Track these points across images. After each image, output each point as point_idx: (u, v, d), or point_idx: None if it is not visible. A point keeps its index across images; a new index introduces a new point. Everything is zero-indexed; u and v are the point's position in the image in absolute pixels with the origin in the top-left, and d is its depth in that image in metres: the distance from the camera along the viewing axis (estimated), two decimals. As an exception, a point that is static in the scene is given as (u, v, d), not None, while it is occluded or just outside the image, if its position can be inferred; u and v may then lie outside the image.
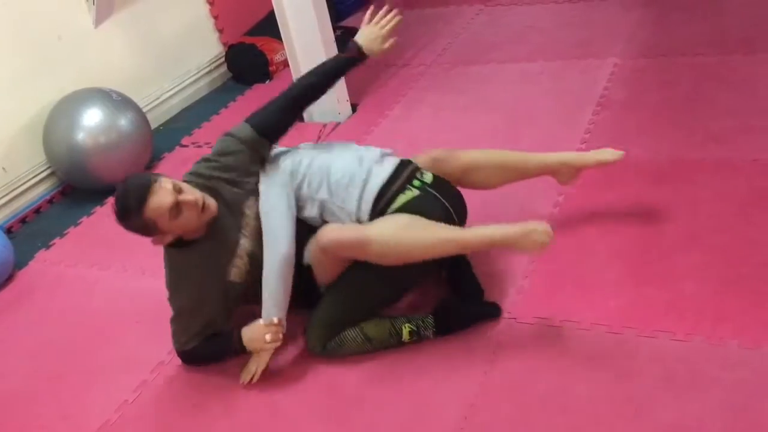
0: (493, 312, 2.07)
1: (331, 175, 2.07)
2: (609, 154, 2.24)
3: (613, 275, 2.13)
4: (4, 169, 3.15)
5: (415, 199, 2.03)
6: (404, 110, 3.35)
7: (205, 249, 2.03)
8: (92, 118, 3.10)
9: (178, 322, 2.08)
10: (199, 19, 4.02)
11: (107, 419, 2.05)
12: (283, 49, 3.83)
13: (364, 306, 2.05)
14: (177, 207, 1.91)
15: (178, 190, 1.93)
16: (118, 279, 2.62)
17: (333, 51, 3.28)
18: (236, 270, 2.05)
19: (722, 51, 3.17)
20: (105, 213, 3.05)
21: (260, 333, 1.98)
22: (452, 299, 2.08)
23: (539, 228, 1.92)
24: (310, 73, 2.28)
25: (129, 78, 3.58)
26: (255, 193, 2.08)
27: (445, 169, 2.21)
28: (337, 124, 3.34)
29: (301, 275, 2.06)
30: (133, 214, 1.92)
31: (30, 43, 3.21)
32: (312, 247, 2.03)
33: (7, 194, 3.16)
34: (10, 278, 2.77)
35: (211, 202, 2.00)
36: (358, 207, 2.04)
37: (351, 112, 3.42)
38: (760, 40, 3.17)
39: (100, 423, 2.04)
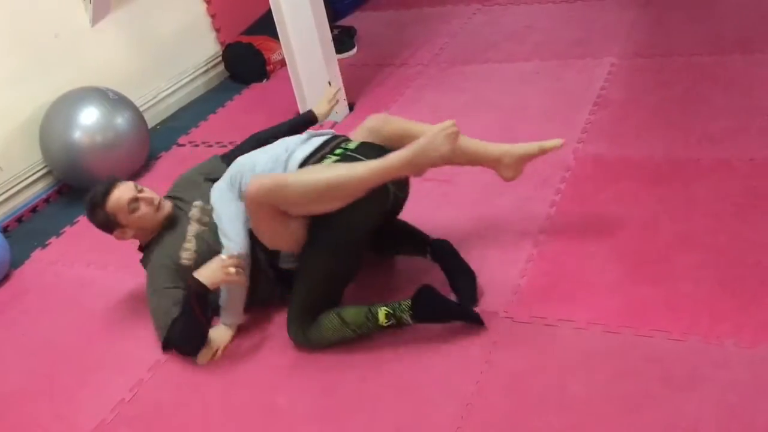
0: (472, 318, 2.03)
1: (257, 166, 2.14)
2: (551, 141, 2.22)
3: (609, 275, 2.13)
4: (0, 167, 3.14)
5: (335, 162, 2.04)
6: (402, 109, 3.34)
7: (165, 241, 2.25)
8: (89, 116, 3.10)
9: (155, 315, 2.19)
10: (196, 18, 4.02)
11: (103, 418, 2.05)
12: (281, 48, 3.84)
13: (328, 285, 2.07)
14: (135, 201, 2.21)
15: (139, 190, 2.24)
16: (114, 278, 2.61)
17: (330, 50, 3.29)
18: (186, 253, 2.21)
19: (719, 51, 3.18)
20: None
21: (217, 264, 2.07)
22: (433, 288, 2.03)
23: (440, 132, 1.91)
24: (280, 124, 2.69)
25: (126, 77, 3.57)
26: (207, 193, 2.30)
27: (383, 135, 2.19)
28: (335, 123, 3.34)
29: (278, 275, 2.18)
30: (98, 208, 2.22)
31: (27, 41, 3.21)
32: (245, 205, 2.04)
33: (3, 193, 3.16)
34: (6, 277, 2.77)
35: (167, 203, 2.28)
36: None
37: (348, 111, 3.42)
38: (757, 40, 3.18)
39: (96, 422, 2.04)
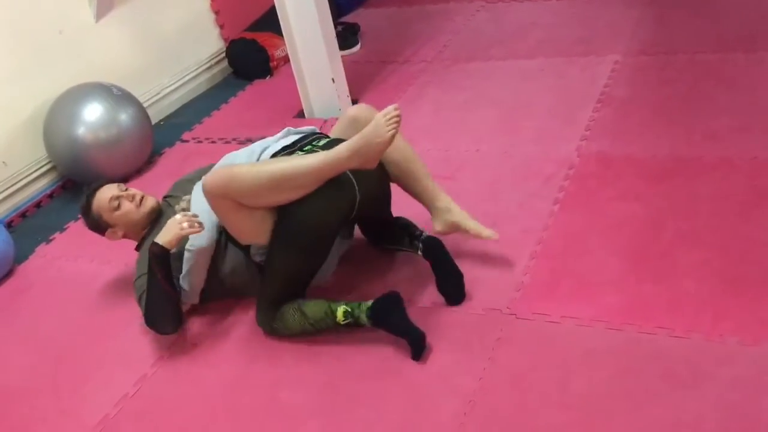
0: (418, 346, 1.97)
1: (236, 159, 2.18)
2: (487, 231, 2.18)
3: (612, 272, 2.13)
4: (4, 163, 3.15)
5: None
6: (405, 106, 3.33)
7: (153, 234, 2.25)
8: (93, 112, 3.10)
9: (138, 296, 2.21)
10: (200, 15, 4.02)
11: (107, 413, 2.06)
12: (284, 44, 3.84)
13: (291, 279, 2.08)
14: (116, 199, 2.29)
15: (123, 189, 2.33)
16: (118, 273, 2.62)
17: (334, 46, 3.29)
18: (183, 203, 2.31)
19: (722, 49, 3.18)
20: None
21: (171, 223, 2.09)
22: (398, 298, 2.00)
23: (381, 119, 1.89)
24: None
25: (129, 73, 3.58)
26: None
27: (362, 124, 2.14)
28: (338, 119, 3.34)
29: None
30: (86, 211, 2.33)
31: (31, 37, 3.21)
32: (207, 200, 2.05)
33: (7, 188, 3.16)
34: (10, 272, 2.77)
35: (150, 198, 2.34)
36: None
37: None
38: (761, 38, 3.18)
39: (100, 417, 2.05)
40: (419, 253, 2.20)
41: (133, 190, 2.35)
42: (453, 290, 2.14)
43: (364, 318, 2.01)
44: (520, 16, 4.01)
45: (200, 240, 2.16)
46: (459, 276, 2.14)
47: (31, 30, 3.21)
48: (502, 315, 2.07)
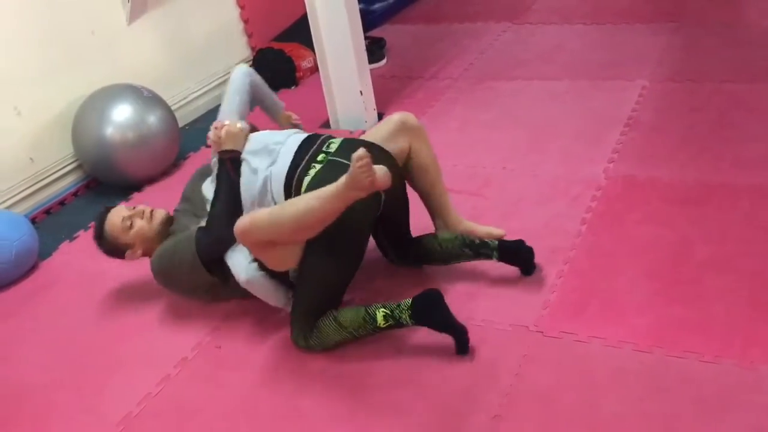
0: (462, 339, 2.00)
1: (247, 193, 2.20)
2: (499, 230, 2.31)
3: (641, 294, 2.13)
4: (31, 159, 3.17)
5: (318, 174, 2.07)
6: (430, 122, 3.36)
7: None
8: (122, 113, 3.13)
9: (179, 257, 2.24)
10: (230, 23, 4.06)
11: (130, 411, 2.05)
12: (311, 55, 3.88)
13: (326, 289, 2.08)
14: (129, 218, 2.30)
15: (131, 208, 2.35)
16: (141, 273, 2.61)
17: (363, 59, 3.32)
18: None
19: (751, 78, 3.19)
20: (129, 208, 3.07)
21: (229, 129, 2.23)
22: (439, 294, 2.01)
23: (356, 172, 1.85)
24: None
25: (158, 76, 3.61)
26: None
27: (407, 137, 2.26)
28: (363, 132, 3.35)
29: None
30: (101, 239, 2.35)
31: (64, 36, 3.24)
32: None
33: (33, 185, 3.18)
34: (34, 267, 2.78)
35: (159, 210, 2.36)
36: (276, 203, 2.14)
37: (377, 120, 3.43)
38: (789, 69, 3.19)
39: (123, 414, 2.04)
40: (494, 259, 2.23)
41: (140, 207, 2.36)
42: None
43: (406, 318, 2.00)
44: (547, 38, 4.03)
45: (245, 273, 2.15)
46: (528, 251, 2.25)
47: (64, 30, 3.24)
48: (529, 332, 2.06)
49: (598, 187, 2.64)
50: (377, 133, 2.30)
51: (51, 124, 3.22)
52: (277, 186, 2.13)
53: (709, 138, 2.83)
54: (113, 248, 2.35)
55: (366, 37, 4.05)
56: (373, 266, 2.37)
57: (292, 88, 4.01)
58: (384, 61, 4.08)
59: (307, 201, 1.96)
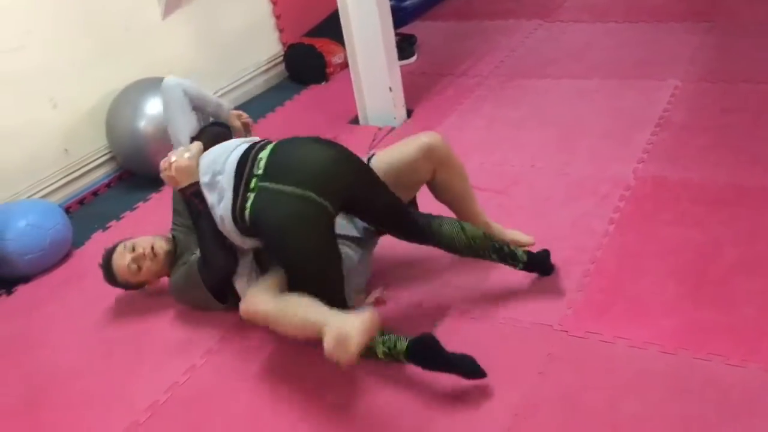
0: (474, 370, 1.88)
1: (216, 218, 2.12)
2: (527, 237, 2.29)
3: (668, 295, 2.11)
4: (66, 150, 3.24)
5: (253, 206, 1.97)
6: (459, 119, 3.36)
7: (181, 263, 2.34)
8: (155, 106, 3.16)
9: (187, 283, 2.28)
10: (262, 18, 4.10)
11: (156, 399, 2.09)
12: (341, 51, 3.89)
13: (326, 294, 1.97)
14: (134, 262, 2.30)
15: (131, 250, 2.31)
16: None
17: (393, 55, 3.33)
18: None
19: (786, 80, 3.14)
20: (160, 199, 3.12)
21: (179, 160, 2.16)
22: (431, 340, 1.91)
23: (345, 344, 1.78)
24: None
25: (191, 70, 3.64)
26: None
27: (430, 164, 2.18)
28: (392, 128, 3.37)
29: None
30: (116, 283, 2.38)
31: (99, 31, 3.30)
32: None
33: (67, 175, 3.25)
34: (67, 256, 2.85)
35: (158, 243, 2.33)
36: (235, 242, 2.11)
37: (406, 117, 3.44)
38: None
39: (150, 402, 2.08)
40: (518, 268, 2.18)
41: (140, 247, 2.30)
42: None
43: (403, 359, 1.94)
44: (579, 36, 4.01)
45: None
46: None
47: (99, 24, 3.30)
48: (553, 331, 2.06)
49: (627, 187, 2.62)
50: (399, 154, 2.19)
51: (86, 116, 3.29)
52: (230, 224, 2.05)
53: (742, 139, 2.79)
54: (129, 287, 2.41)
55: (397, 34, 4.06)
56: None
57: (323, 83, 4.04)
58: (414, 58, 4.08)
59: (305, 317, 1.90)
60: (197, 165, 2.15)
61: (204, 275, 2.21)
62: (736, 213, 2.39)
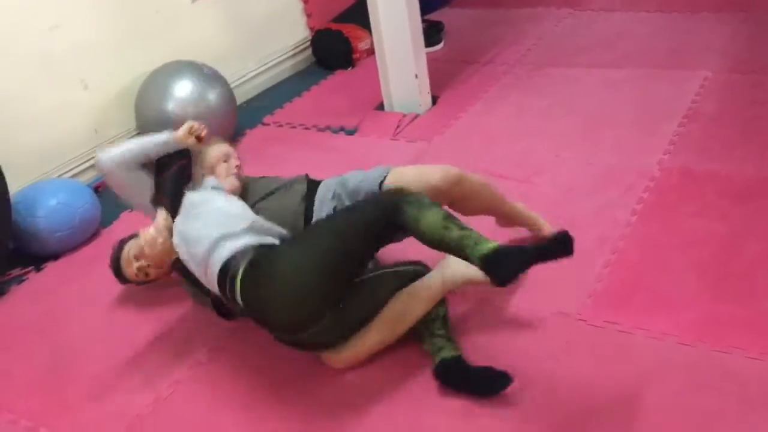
0: (502, 381, 1.86)
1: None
2: (543, 221, 2.33)
3: (689, 287, 2.10)
4: (96, 131, 3.30)
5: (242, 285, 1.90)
6: (485, 107, 3.35)
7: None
8: (183, 89, 3.21)
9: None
10: (290, 3, 4.12)
11: (178, 378, 2.13)
12: (368, 37, 3.90)
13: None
14: (141, 271, 2.23)
15: (136, 257, 2.21)
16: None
17: (420, 42, 3.33)
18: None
19: (820, 73, 3.08)
20: (187, 182, 3.16)
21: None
22: (458, 364, 1.92)
23: None
24: None
25: (219, 53, 3.69)
26: None
27: (451, 196, 2.14)
28: (417, 115, 3.37)
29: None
30: (127, 283, 2.36)
31: (130, 13, 3.34)
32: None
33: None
34: (95, 234, 2.91)
35: (159, 243, 2.14)
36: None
37: (431, 104, 3.44)
38: None
39: (172, 380, 2.12)
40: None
41: (143, 255, 2.19)
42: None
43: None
44: (610, 25, 3.96)
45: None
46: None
47: (130, 7, 3.34)
48: (572, 320, 2.06)
49: (651, 178, 2.60)
50: (413, 184, 2.07)
51: (115, 97, 3.34)
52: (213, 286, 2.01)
53: (772, 132, 2.76)
54: (143, 282, 2.31)
55: (424, 21, 4.05)
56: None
57: (349, 69, 4.05)
58: (441, 45, 4.07)
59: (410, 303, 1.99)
60: (169, 234, 2.11)
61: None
62: (762, 207, 2.36)
